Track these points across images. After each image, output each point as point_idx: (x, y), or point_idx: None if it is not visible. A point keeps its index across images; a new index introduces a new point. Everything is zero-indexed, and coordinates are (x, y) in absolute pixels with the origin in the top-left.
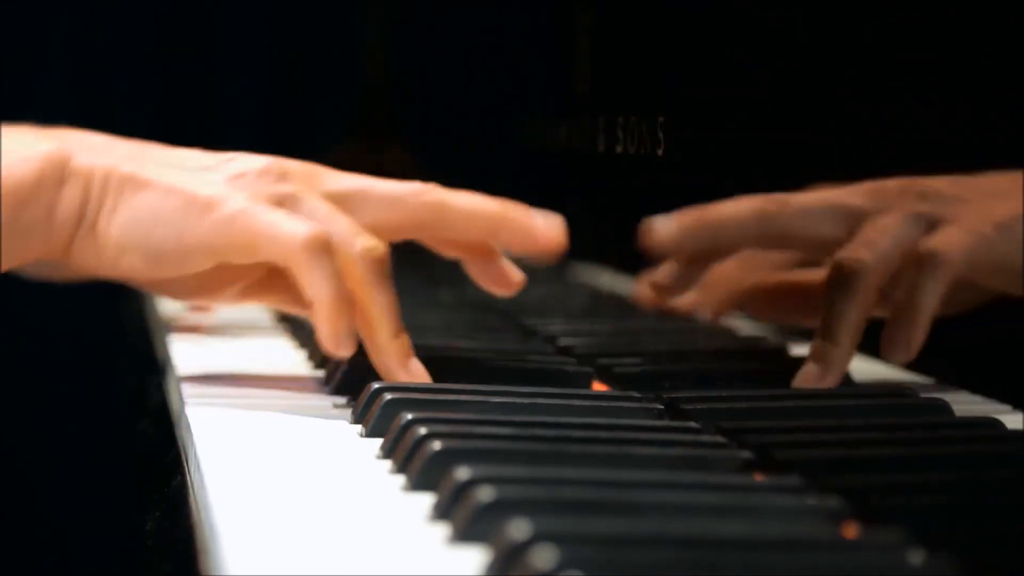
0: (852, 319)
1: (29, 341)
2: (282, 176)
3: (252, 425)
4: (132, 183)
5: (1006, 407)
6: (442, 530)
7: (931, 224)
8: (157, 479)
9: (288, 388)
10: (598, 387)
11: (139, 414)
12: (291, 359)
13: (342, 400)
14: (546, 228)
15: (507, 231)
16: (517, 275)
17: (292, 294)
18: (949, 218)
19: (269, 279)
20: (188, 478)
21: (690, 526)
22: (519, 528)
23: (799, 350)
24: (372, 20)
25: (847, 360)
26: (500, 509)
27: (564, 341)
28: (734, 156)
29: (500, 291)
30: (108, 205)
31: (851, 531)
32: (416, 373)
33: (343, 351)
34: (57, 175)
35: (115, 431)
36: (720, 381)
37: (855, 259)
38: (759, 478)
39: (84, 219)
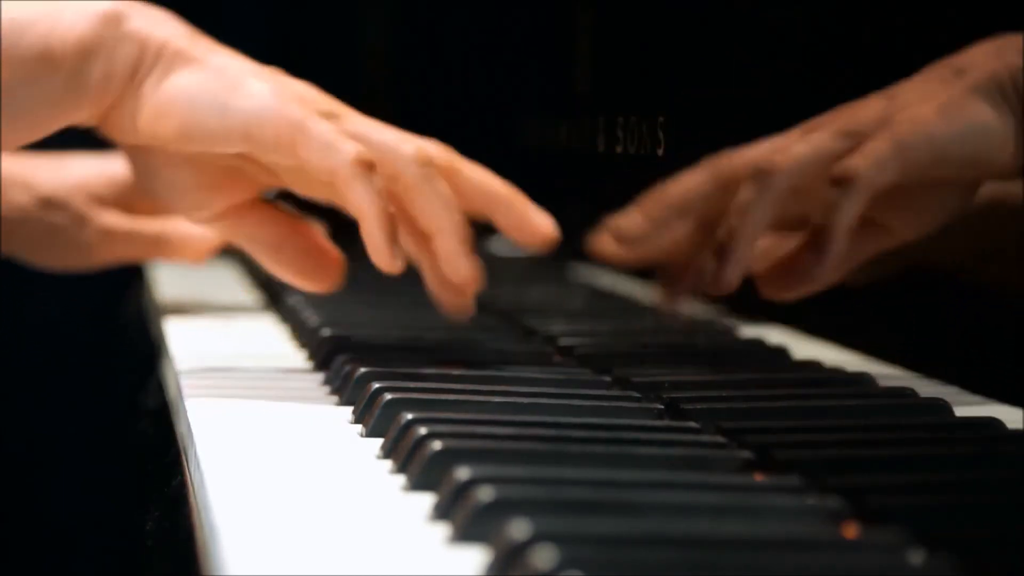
0: (757, 219)
1: (29, 341)
2: (324, 99)
3: (252, 425)
4: (184, 57)
5: (1006, 407)
6: (442, 530)
7: (859, 140)
8: (157, 479)
9: (289, 387)
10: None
11: (139, 414)
12: (292, 358)
13: (342, 399)
14: (542, 221)
15: (506, 212)
16: (548, 225)
17: (269, 229)
18: (878, 132)
19: (255, 208)
20: (188, 478)
21: (690, 526)
22: (519, 528)
23: (802, 352)
24: (372, 20)
25: (743, 262)
26: (500, 509)
27: (564, 341)
28: None
29: (530, 242)
30: (158, 71)
31: (851, 531)
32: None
33: (396, 264)
34: (114, 33)
35: (115, 431)
36: (722, 383)
37: (768, 160)
38: (759, 478)
39: (133, 81)
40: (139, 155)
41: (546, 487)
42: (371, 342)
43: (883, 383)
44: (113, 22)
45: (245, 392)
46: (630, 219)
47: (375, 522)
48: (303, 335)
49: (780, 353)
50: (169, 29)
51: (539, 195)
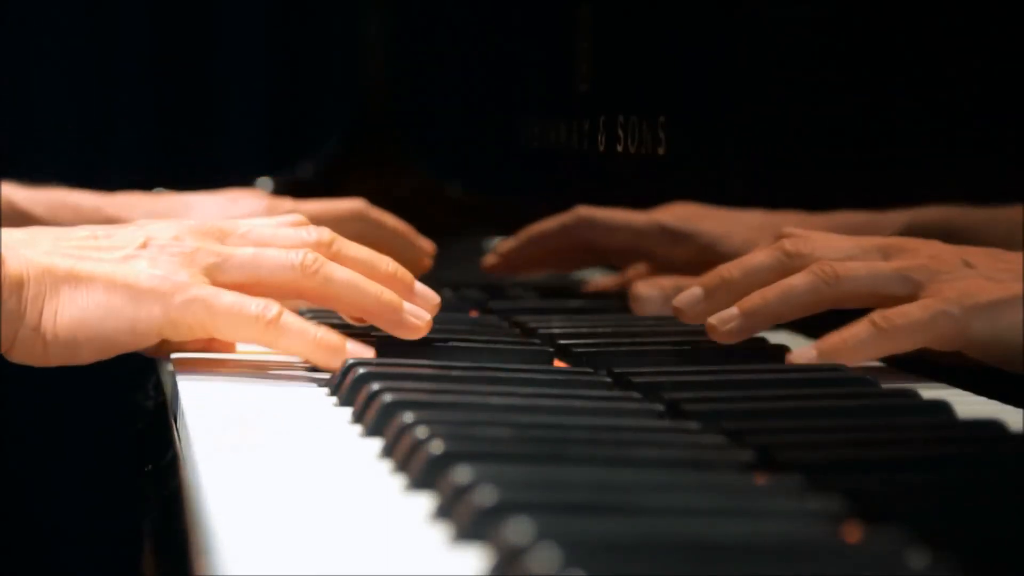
0: (794, 307)
1: None
2: (197, 242)
3: (250, 425)
4: (70, 279)
5: (1008, 408)
6: (443, 530)
7: (913, 290)
8: (156, 479)
9: (287, 388)
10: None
11: (139, 414)
12: (290, 359)
13: (341, 400)
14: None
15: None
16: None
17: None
18: (931, 291)
19: None
20: (186, 478)
21: (691, 527)
22: (521, 529)
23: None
24: (372, 20)
25: (757, 330)
26: (501, 510)
27: (564, 341)
28: (734, 156)
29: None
30: (49, 304)
31: (852, 532)
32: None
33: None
34: None
35: (115, 431)
36: (723, 383)
37: (832, 268)
38: (760, 478)
39: (24, 320)
40: None
41: (547, 488)
42: (370, 343)
43: (885, 384)
44: None
45: (243, 393)
46: (692, 297)
47: (375, 522)
48: None
49: (782, 353)
50: (45, 247)
51: (540, 195)
